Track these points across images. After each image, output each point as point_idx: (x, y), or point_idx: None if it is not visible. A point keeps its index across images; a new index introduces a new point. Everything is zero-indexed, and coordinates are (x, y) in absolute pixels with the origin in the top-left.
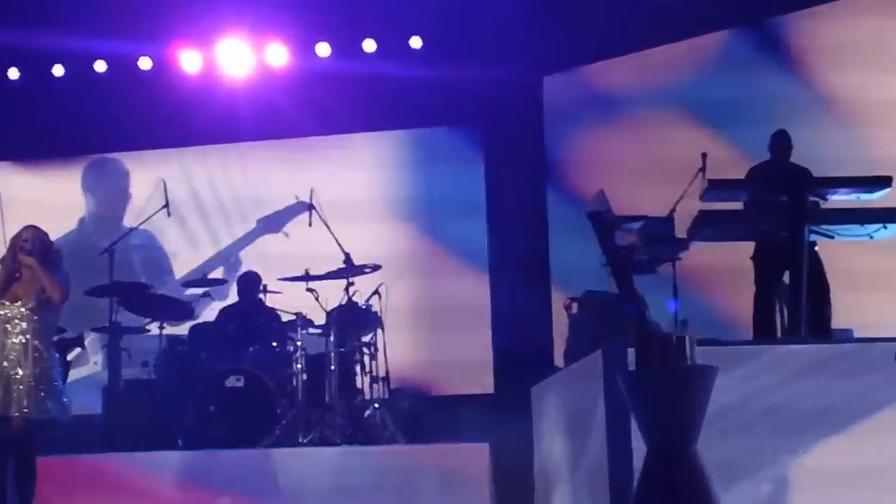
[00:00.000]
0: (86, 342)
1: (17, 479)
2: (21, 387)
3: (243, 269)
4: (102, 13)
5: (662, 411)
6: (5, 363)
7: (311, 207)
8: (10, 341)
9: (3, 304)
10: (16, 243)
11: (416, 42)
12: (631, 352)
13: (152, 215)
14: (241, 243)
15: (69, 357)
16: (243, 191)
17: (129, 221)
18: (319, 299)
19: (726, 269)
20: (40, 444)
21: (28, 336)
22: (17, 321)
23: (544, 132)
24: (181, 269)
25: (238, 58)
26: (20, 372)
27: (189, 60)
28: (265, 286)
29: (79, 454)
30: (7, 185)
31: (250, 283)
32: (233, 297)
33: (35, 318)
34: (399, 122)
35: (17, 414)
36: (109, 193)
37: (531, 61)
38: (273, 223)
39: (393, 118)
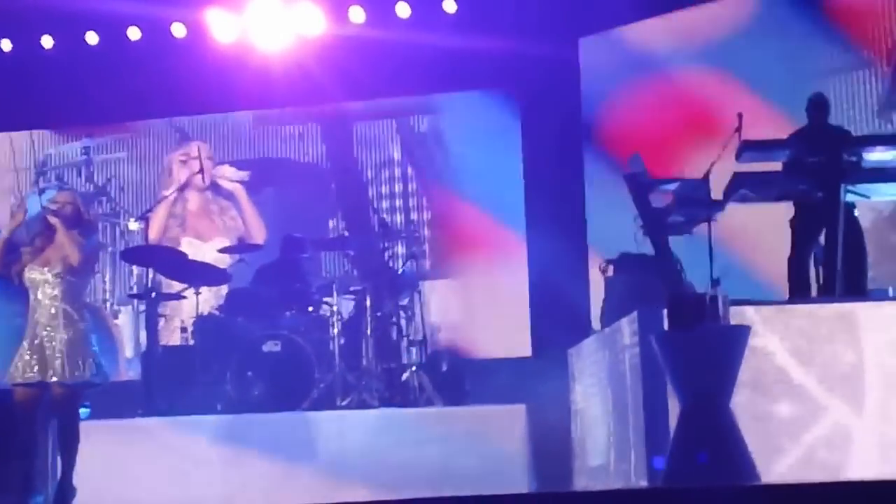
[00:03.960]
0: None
1: (61, 442)
2: (55, 352)
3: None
4: None
5: (696, 371)
6: (38, 328)
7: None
8: (41, 306)
9: (34, 268)
10: (47, 206)
11: (450, 6)
12: (665, 313)
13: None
14: None
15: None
16: None
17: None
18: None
19: (762, 230)
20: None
21: (58, 301)
22: (46, 286)
23: (580, 95)
24: None
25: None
26: (53, 336)
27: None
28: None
29: (119, 419)
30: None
31: (293, 246)
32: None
33: (63, 282)
34: (433, 87)
35: (54, 379)
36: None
37: (566, 23)
38: None
39: (426, 83)
